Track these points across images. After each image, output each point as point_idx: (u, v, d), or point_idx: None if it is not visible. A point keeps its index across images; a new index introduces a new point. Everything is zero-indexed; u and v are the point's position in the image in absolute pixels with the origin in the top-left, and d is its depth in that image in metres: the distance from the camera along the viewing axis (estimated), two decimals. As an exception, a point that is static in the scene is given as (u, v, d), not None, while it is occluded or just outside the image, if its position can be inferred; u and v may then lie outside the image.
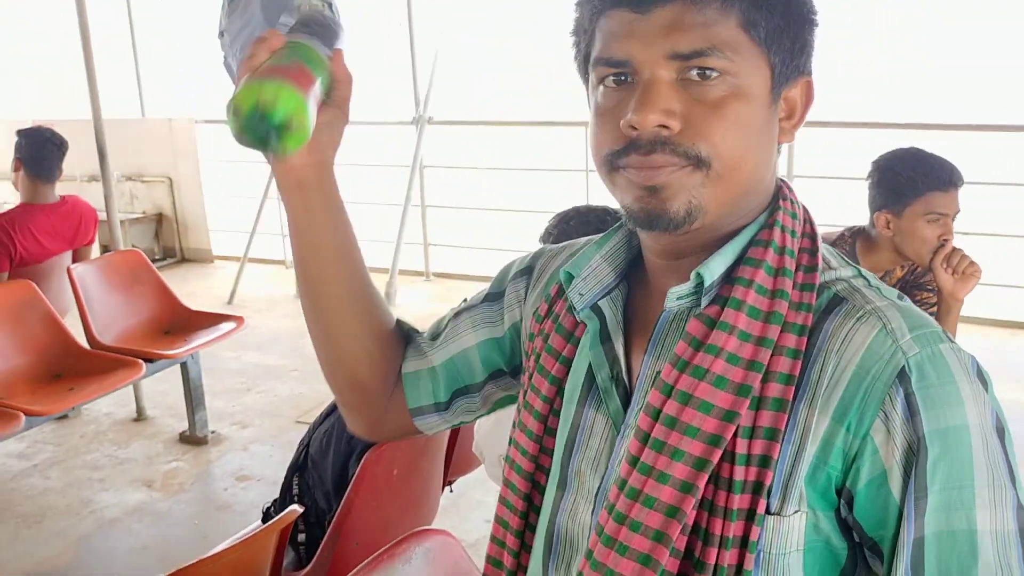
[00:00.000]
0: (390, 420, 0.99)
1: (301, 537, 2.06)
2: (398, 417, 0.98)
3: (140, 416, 4.10)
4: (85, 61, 3.86)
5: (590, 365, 0.84)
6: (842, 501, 0.74)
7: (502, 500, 0.89)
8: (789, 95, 0.78)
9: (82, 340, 3.55)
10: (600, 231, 0.91)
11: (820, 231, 0.82)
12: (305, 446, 2.06)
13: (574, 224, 1.76)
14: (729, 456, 0.73)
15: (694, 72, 0.73)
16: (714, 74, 0.73)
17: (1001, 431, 0.72)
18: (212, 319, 3.91)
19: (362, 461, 1.90)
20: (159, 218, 6.85)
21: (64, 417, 4.09)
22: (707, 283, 0.76)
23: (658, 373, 0.77)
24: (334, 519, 1.92)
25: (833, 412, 0.72)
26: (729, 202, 0.76)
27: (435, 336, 0.99)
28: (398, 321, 1.01)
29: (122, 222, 6.44)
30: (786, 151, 4.96)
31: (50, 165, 3.69)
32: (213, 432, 3.88)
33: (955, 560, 0.69)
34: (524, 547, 0.87)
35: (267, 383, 4.39)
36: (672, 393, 0.75)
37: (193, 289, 6.01)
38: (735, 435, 0.73)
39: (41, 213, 3.68)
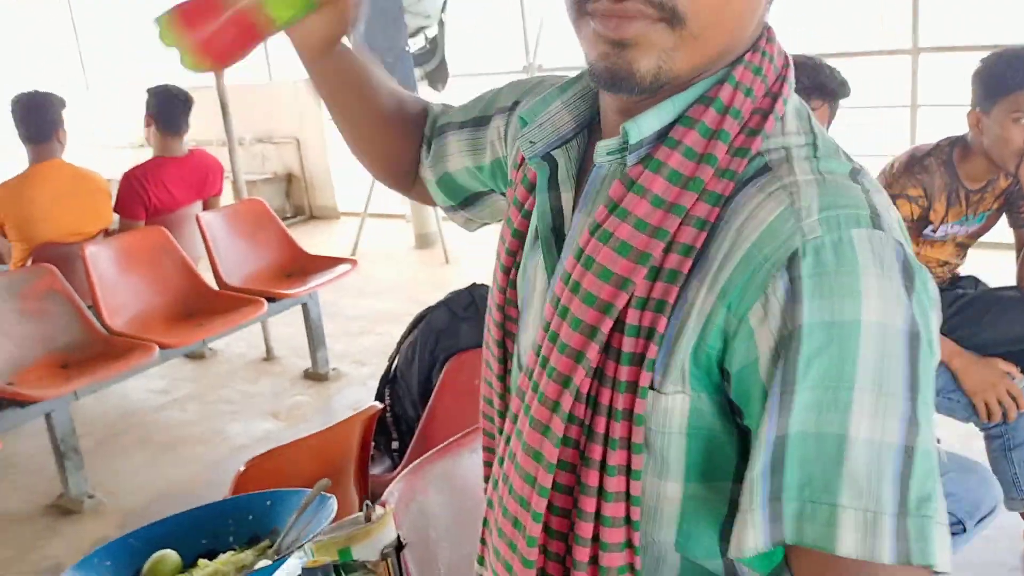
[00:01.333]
0: (419, 194, 1.09)
1: (395, 445, 2.18)
2: (429, 198, 1.08)
3: (268, 356, 4.37)
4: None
5: None
6: (725, 382, 0.69)
7: (484, 344, 0.90)
8: None
9: (211, 282, 3.82)
10: None
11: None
12: (393, 359, 2.17)
13: None
14: (621, 326, 0.70)
15: None
16: None
17: (915, 337, 0.64)
18: (329, 263, 4.11)
19: (444, 370, 1.99)
20: (288, 178, 7.18)
21: (201, 357, 4.42)
22: (632, 140, 0.71)
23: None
24: (420, 425, 2.03)
25: (719, 290, 0.67)
26: (702, 63, 0.71)
27: (436, 135, 1.04)
28: (426, 111, 1.06)
29: (254, 182, 6.81)
30: (910, 76, 4.69)
31: (177, 120, 3.95)
32: (334, 369, 4.10)
33: (819, 467, 0.62)
34: (508, 390, 0.87)
35: (383, 326, 4.58)
36: (581, 257, 0.72)
37: (318, 243, 6.29)
38: (628, 305, 0.70)
39: (171, 165, 3.95)
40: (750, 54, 0.73)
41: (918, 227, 2.27)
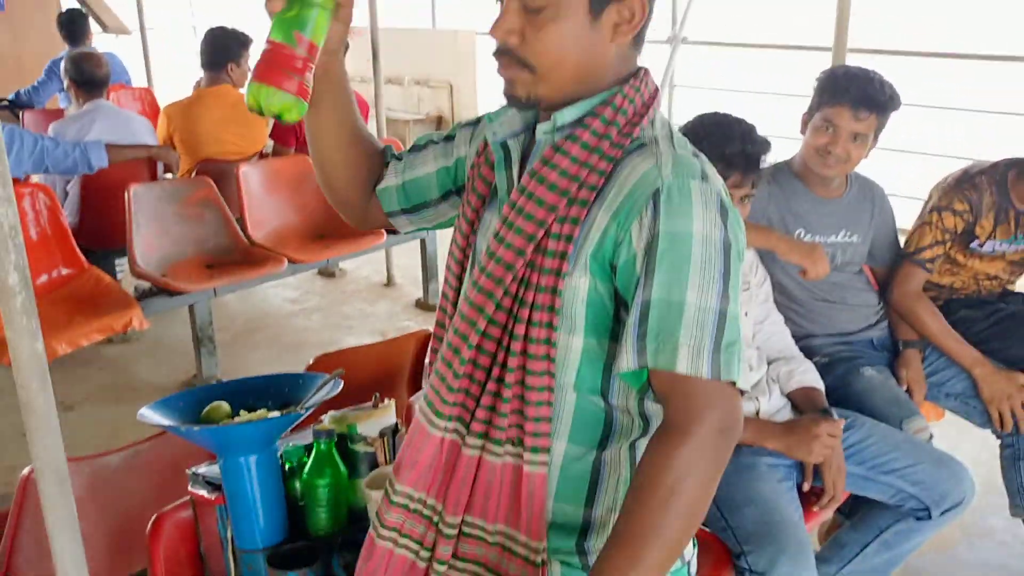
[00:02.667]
0: (371, 218, 1.37)
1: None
2: (378, 217, 1.37)
3: (389, 282, 4.83)
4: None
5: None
6: (612, 273, 1.09)
7: (445, 280, 1.27)
8: (628, 5, 1.10)
9: (343, 210, 4.27)
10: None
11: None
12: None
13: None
14: (547, 233, 1.10)
15: (529, 8, 1.08)
16: (536, 5, 1.07)
17: (727, 246, 1.06)
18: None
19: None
20: (439, 120, 7.63)
21: (332, 275, 4.94)
22: (559, 123, 1.13)
23: None
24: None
25: (613, 213, 1.08)
26: (561, 89, 1.11)
27: (412, 152, 1.35)
28: (385, 148, 1.36)
29: (407, 121, 7.29)
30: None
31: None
32: (442, 302, 4.50)
33: (668, 318, 1.03)
34: (459, 291, 1.25)
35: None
36: (523, 191, 1.12)
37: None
38: (554, 220, 1.10)
39: (323, 102, 4.39)
40: (633, 80, 1.15)
41: (963, 239, 2.39)
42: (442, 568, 1.18)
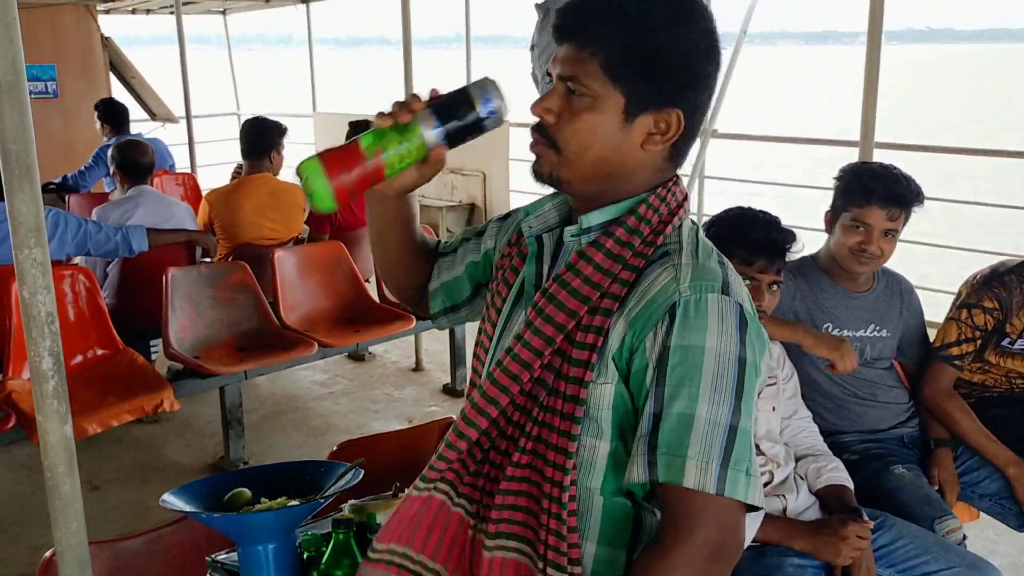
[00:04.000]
0: (424, 308, 1.44)
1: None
2: (427, 311, 1.44)
3: (417, 367, 4.85)
4: (405, 66, 4.67)
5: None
6: (629, 377, 1.10)
7: (472, 368, 1.31)
8: (664, 119, 1.12)
9: (375, 295, 4.34)
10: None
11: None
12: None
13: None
14: (571, 341, 1.12)
15: (571, 91, 1.12)
16: (578, 93, 1.12)
17: (742, 361, 1.06)
18: (480, 292, 4.52)
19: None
20: (471, 207, 7.76)
21: (361, 359, 4.97)
22: (584, 226, 1.17)
23: None
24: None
25: (630, 321, 1.10)
26: (583, 177, 1.15)
27: (448, 254, 1.41)
28: (436, 244, 1.44)
29: (440, 208, 7.42)
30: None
31: (369, 151, 4.51)
32: (470, 388, 4.50)
33: (677, 431, 1.03)
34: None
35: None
36: (545, 294, 1.15)
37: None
38: (576, 328, 1.12)
39: (358, 190, 4.51)
40: (661, 189, 1.17)
41: (994, 338, 2.36)
42: None
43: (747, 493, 1.03)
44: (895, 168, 2.24)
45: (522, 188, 7.60)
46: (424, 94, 1.18)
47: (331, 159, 1.13)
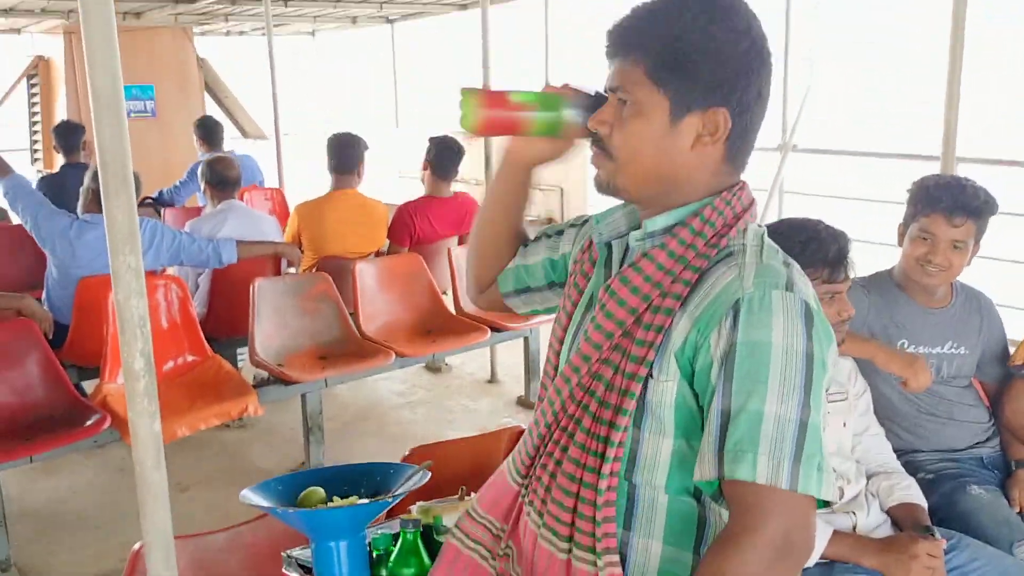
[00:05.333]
0: (494, 299, 1.51)
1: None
2: (494, 299, 1.50)
3: (492, 379, 4.92)
4: (483, 85, 4.75)
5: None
6: (692, 375, 1.12)
7: (544, 371, 1.36)
8: (711, 119, 1.15)
9: (451, 307, 4.42)
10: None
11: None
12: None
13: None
14: (631, 337, 1.16)
15: (621, 101, 1.18)
16: (627, 101, 1.18)
17: (810, 357, 1.06)
18: (555, 305, 4.56)
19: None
20: (548, 222, 7.81)
21: (438, 370, 5.06)
22: (648, 230, 1.22)
23: None
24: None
25: (694, 320, 1.12)
26: (640, 184, 1.20)
27: (529, 244, 1.47)
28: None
29: (519, 222, 7.49)
30: None
31: (448, 167, 4.61)
32: (544, 401, 4.54)
33: (747, 428, 1.04)
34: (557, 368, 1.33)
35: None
36: (608, 290, 1.19)
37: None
38: (637, 324, 1.16)
39: (437, 204, 4.62)
40: (726, 193, 1.19)
41: None
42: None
43: (820, 488, 1.04)
44: (967, 179, 2.20)
45: (599, 202, 7.63)
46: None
47: (491, 95, 1.27)
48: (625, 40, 1.18)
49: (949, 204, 2.14)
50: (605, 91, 1.22)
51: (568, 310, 1.32)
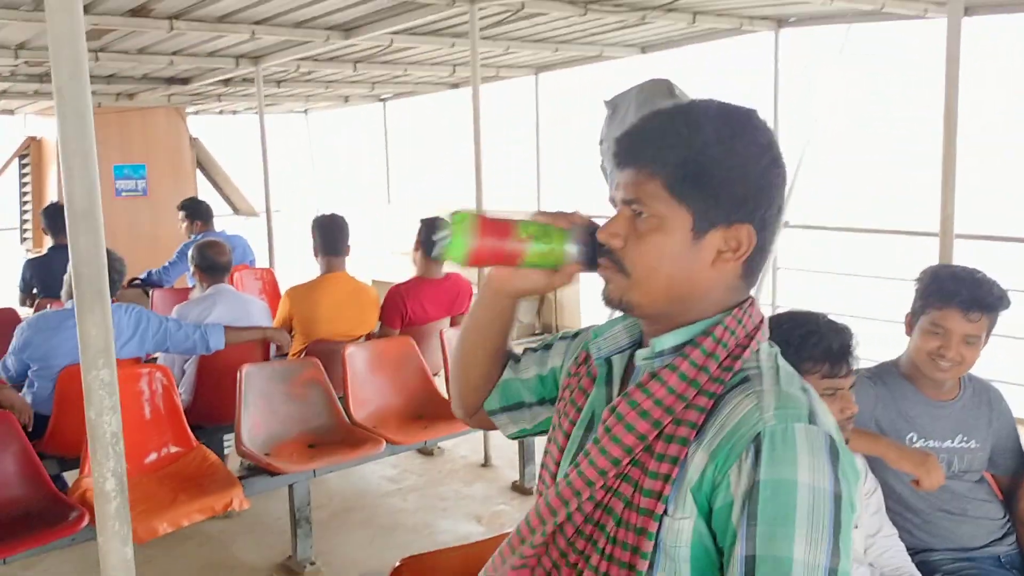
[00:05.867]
0: (480, 417, 1.42)
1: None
2: (482, 419, 1.41)
3: (486, 463, 4.79)
4: (475, 163, 4.75)
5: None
6: (709, 513, 1.03)
7: (539, 477, 1.27)
8: (734, 235, 1.09)
9: (443, 391, 4.32)
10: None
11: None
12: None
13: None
14: (644, 470, 1.06)
15: (636, 213, 1.11)
16: (644, 214, 1.11)
17: (838, 498, 0.98)
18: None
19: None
20: (542, 298, 7.76)
21: (430, 454, 4.93)
22: (657, 349, 1.13)
23: None
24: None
25: (711, 453, 1.03)
26: (653, 300, 1.12)
27: (517, 360, 1.39)
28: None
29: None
30: None
31: (440, 247, 4.57)
32: (540, 486, 4.41)
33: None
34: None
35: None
36: (614, 412, 1.10)
37: (559, 362, 6.73)
38: (648, 454, 1.06)
39: (428, 286, 4.57)
40: (737, 310, 1.12)
41: None
42: None
43: None
44: (978, 272, 2.15)
45: (593, 283, 7.60)
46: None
47: (487, 221, 1.16)
48: (640, 150, 1.12)
49: (966, 299, 2.09)
50: (612, 201, 1.16)
51: (565, 428, 1.24)
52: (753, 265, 1.13)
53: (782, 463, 0.98)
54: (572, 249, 1.17)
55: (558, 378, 1.33)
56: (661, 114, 1.12)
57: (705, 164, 1.08)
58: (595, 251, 1.16)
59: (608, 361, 1.22)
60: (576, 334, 1.36)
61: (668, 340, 1.12)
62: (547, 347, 1.38)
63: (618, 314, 1.24)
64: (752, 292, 1.17)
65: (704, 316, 1.12)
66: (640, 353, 1.15)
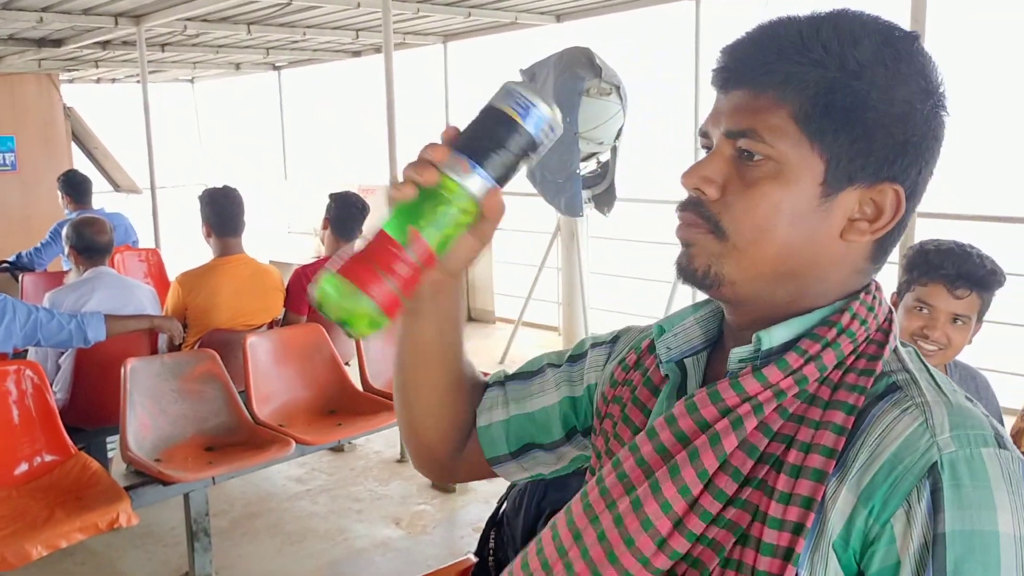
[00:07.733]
0: (462, 469, 1.05)
1: (494, 591, 2.14)
2: (473, 466, 1.04)
3: (402, 458, 4.46)
4: (388, 134, 4.38)
5: None
6: None
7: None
8: (875, 198, 0.79)
9: (357, 383, 3.96)
10: None
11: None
12: (501, 503, 2.15)
13: None
14: (761, 517, 0.74)
15: (744, 152, 0.79)
16: (757, 156, 0.78)
17: None
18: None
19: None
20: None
21: (340, 450, 4.56)
22: (765, 347, 0.79)
23: None
24: (515, 577, 1.99)
25: (861, 493, 0.72)
26: (759, 276, 0.80)
27: (522, 379, 1.04)
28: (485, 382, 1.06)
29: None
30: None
31: (351, 226, 4.19)
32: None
33: None
34: None
35: (519, 443, 4.57)
36: (706, 430, 0.78)
37: (471, 347, 6.32)
38: (765, 493, 0.74)
39: (338, 267, 4.17)
40: (864, 294, 0.82)
41: None
42: None
43: None
44: (971, 246, 1.95)
45: (505, 258, 7.31)
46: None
47: (358, 269, 0.79)
48: (763, 65, 0.78)
49: (951, 273, 1.88)
50: (704, 134, 0.84)
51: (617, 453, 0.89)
52: (887, 244, 0.82)
53: (974, 507, 0.69)
54: (471, 185, 0.81)
55: (594, 400, 1.00)
56: (793, 20, 0.78)
57: (860, 93, 0.75)
58: (498, 158, 0.81)
59: (680, 364, 0.90)
60: (616, 337, 1.03)
61: (779, 334, 0.80)
62: (574, 359, 1.03)
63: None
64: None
65: (818, 304, 0.81)
66: (736, 352, 0.81)
